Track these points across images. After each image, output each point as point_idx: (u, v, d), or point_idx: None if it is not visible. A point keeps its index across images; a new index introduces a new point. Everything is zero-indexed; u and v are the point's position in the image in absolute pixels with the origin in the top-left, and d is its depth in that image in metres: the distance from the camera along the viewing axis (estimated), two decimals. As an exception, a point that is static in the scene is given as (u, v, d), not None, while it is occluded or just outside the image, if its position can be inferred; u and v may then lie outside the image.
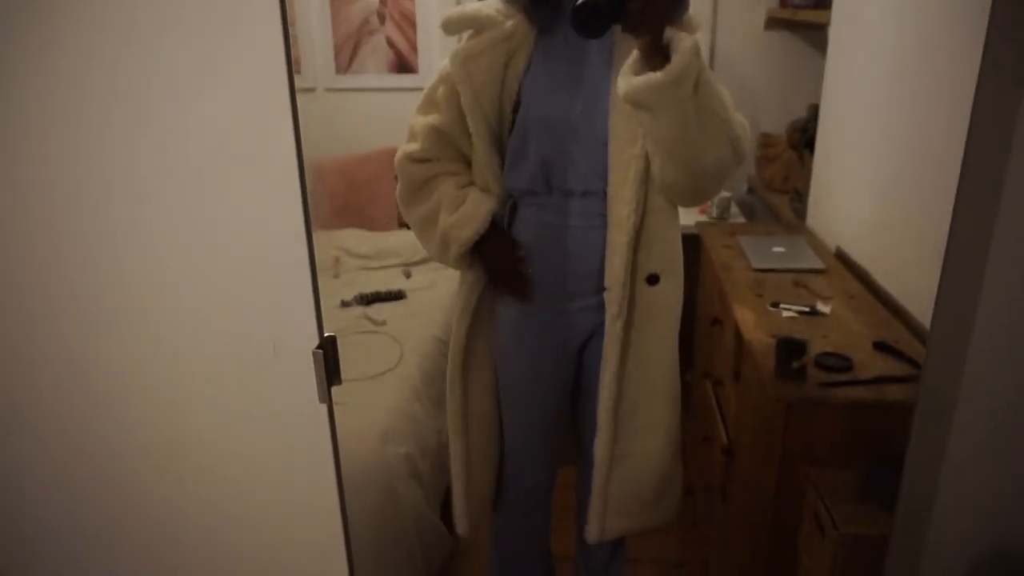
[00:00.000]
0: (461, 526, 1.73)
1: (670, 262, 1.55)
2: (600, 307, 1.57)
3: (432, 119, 1.55)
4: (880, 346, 1.74)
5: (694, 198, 1.52)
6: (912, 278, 1.91)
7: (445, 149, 1.58)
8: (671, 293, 1.57)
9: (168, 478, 1.12)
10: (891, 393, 1.56)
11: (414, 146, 1.58)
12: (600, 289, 1.54)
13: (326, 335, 0.93)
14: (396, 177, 1.64)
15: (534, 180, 1.52)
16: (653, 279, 1.53)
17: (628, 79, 1.31)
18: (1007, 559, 1.36)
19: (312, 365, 0.93)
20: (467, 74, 1.46)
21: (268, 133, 0.91)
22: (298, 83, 0.91)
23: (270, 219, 0.93)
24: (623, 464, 1.62)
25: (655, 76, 1.26)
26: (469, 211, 1.52)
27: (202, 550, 1.15)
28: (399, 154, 1.60)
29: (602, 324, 1.58)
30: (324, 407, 0.96)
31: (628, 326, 1.53)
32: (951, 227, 1.06)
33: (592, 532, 1.67)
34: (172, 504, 1.13)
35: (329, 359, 0.93)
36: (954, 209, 1.04)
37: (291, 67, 0.90)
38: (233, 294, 0.98)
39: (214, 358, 1.01)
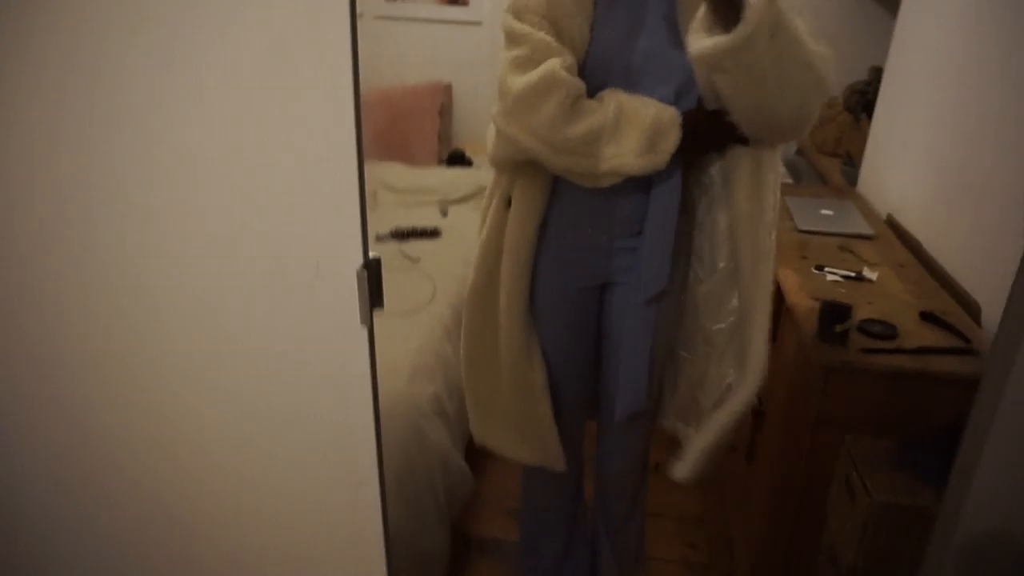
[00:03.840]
0: (562, 463, 1.69)
1: None
2: (633, 251, 1.53)
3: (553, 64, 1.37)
4: (927, 316, 1.69)
5: (770, 143, 1.44)
6: (965, 251, 1.85)
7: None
8: None
9: (206, 402, 1.11)
10: (935, 364, 1.53)
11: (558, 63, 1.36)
12: (638, 232, 1.51)
13: (371, 256, 0.91)
14: (528, 96, 1.36)
15: None
16: None
17: (699, 39, 1.23)
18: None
19: (355, 286, 0.91)
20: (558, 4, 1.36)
21: (322, 51, 0.88)
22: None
23: (320, 132, 0.90)
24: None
25: (724, 39, 1.18)
26: (651, 100, 1.39)
27: (234, 470, 1.15)
28: (543, 71, 1.34)
29: (626, 269, 1.54)
30: (365, 330, 0.95)
31: None
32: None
33: (683, 472, 1.60)
34: (209, 430, 1.13)
35: (372, 280, 0.91)
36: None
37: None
38: (278, 211, 0.96)
39: (257, 277, 0.99)
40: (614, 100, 1.38)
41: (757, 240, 1.46)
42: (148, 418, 1.11)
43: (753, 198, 1.44)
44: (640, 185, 1.47)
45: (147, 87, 0.93)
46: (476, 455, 2.44)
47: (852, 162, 2.75)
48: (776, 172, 1.49)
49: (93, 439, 1.14)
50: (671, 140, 1.36)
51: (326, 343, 0.98)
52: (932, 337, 1.61)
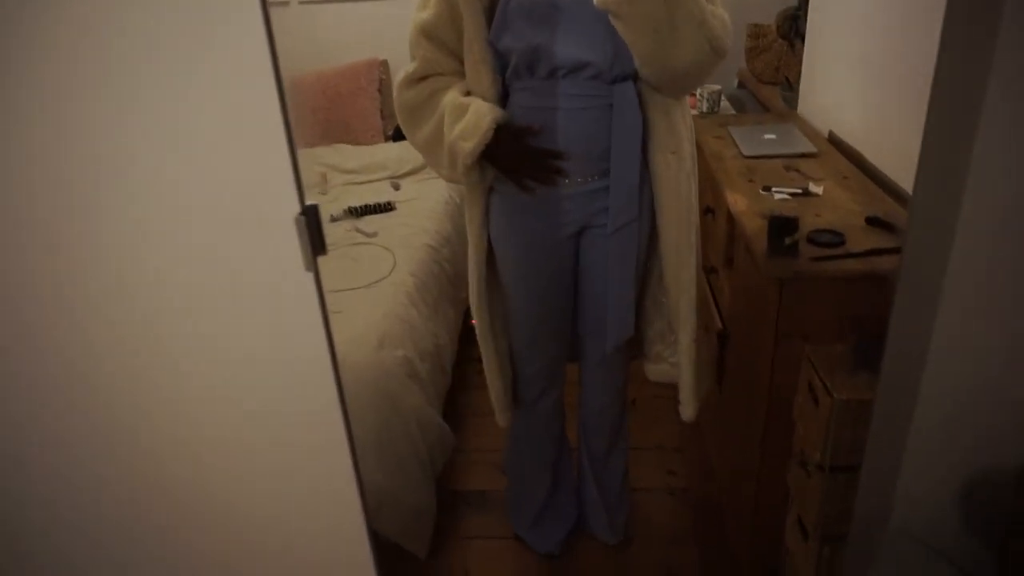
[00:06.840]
0: (502, 420, 1.85)
1: None
2: (607, 190, 1.54)
3: (421, 21, 1.49)
4: (872, 221, 1.73)
5: (673, 94, 1.51)
6: (903, 154, 1.89)
7: (439, 57, 1.52)
8: None
9: (159, 373, 1.11)
10: (883, 265, 1.56)
11: (410, 67, 1.54)
12: (607, 172, 1.53)
13: (307, 203, 0.92)
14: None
15: (518, 65, 1.46)
16: None
17: None
18: (1001, 421, 1.38)
19: (296, 234, 0.92)
20: None
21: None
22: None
23: (244, 89, 0.90)
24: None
25: None
26: (472, 121, 1.44)
27: (196, 438, 1.15)
28: (397, 79, 1.57)
29: (602, 211, 1.56)
30: (311, 276, 0.95)
31: None
32: (931, 98, 1.03)
33: (689, 411, 1.75)
34: (165, 401, 1.13)
35: (312, 226, 0.92)
36: (934, 79, 1.01)
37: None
38: (211, 168, 0.96)
39: (196, 234, 0.99)
40: (438, 109, 1.51)
41: (677, 187, 1.56)
42: (107, 381, 1.12)
43: (669, 145, 1.53)
44: (605, 126, 1.49)
45: (68, 74, 0.92)
46: (455, 413, 2.47)
47: (791, 86, 2.78)
48: (687, 123, 1.57)
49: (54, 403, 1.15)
50: (459, 165, 1.49)
51: (275, 295, 0.99)
52: (878, 239, 1.65)
